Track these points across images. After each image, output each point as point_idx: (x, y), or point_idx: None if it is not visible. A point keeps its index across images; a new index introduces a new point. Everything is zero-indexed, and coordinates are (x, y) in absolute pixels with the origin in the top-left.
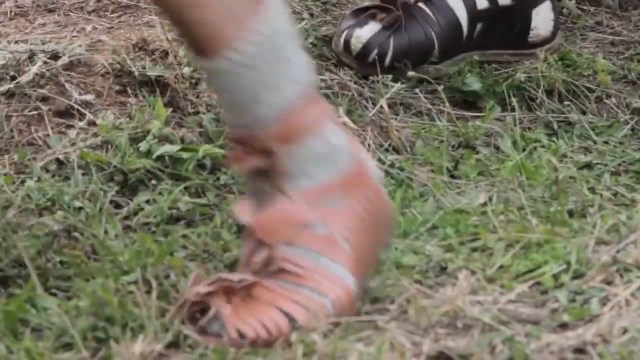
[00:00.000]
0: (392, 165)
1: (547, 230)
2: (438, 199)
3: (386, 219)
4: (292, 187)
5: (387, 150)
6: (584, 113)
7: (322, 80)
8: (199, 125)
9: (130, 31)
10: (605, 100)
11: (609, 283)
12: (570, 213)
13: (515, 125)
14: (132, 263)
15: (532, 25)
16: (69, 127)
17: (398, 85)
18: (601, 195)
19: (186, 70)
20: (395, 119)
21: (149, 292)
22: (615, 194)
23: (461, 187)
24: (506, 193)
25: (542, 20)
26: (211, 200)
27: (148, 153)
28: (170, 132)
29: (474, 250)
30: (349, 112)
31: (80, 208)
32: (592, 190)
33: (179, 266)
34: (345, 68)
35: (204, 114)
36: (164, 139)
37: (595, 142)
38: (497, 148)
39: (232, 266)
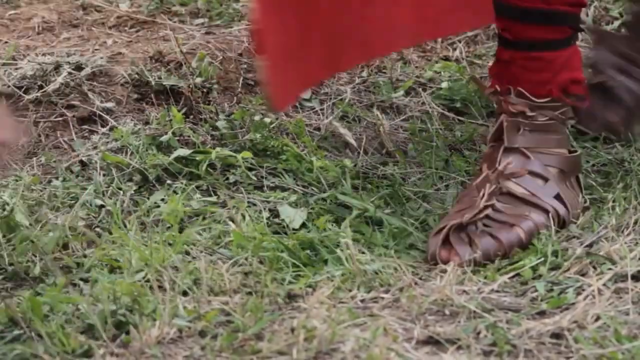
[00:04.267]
0: (385, 164)
1: None
2: (428, 198)
3: None
4: None
5: (381, 154)
6: None
7: (319, 87)
8: (213, 129)
9: (148, 44)
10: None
11: (583, 274)
12: None
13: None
14: (149, 256)
15: None
16: (92, 132)
17: (392, 93)
18: None
19: (198, 80)
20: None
21: (162, 283)
22: (589, 188)
23: (450, 187)
24: None
25: None
26: (221, 198)
27: (167, 149)
28: (188, 132)
29: None
30: (342, 117)
31: (102, 206)
32: None
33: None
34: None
35: (216, 120)
36: (182, 141)
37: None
38: (481, 151)
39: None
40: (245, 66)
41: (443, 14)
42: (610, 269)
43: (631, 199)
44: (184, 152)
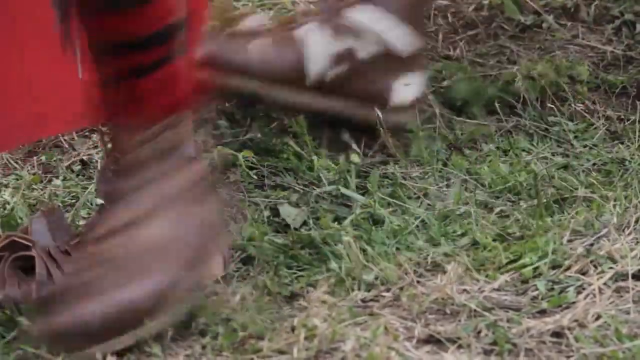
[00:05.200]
0: (385, 163)
1: (527, 225)
2: (429, 197)
3: None
4: None
5: (382, 152)
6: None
7: None
8: (213, 128)
9: None
10: (578, 106)
11: (584, 273)
12: (548, 209)
13: (499, 130)
14: None
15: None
16: (93, 130)
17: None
18: (577, 191)
19: None
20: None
21: None
22: (590, 187)
23: (451, 186)
24: (491, 189)
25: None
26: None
27: None
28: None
29: (461, 244)
30: None
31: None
32: (568, 188)
33: None
34: None
35: (217, 120)
36: None
37: (573, 145)
38: (482, 150)
39: (245, 258)
40: None
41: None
42: (611, 267)
43: (632, 198)
44: None
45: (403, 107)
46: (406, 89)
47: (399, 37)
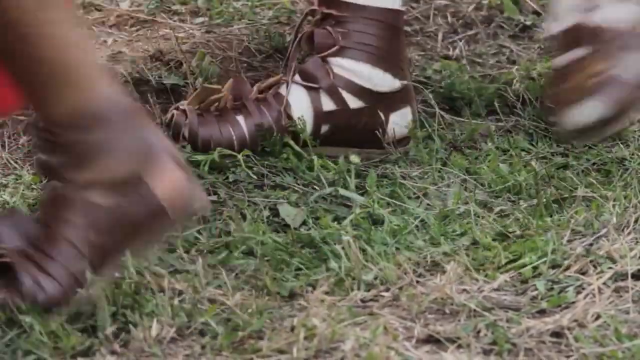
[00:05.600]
0: (383, 162)
1: (527, 224)
2: (428, 196)
3: None
4: None
5: (381, 151)
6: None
7: None
8: None
9: (148, 43)
10: None
11: (584, 273)
12: (548, 209)
13: (498, 130)
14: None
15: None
16: None
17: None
18: (576, 191)
19: (199, 79)
20: None
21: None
22: (590, 187)
23: (450, 186)
24: (490, 189)
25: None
26: (221, 197)
27: None
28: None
29: (461, 243)
30: None
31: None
32: (568, 188)
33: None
34: None
35: None
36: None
37: (572, 145)
38: (482, 149)
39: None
40: (245, 65)
41: None
42: (610, 267)
43: (631, 198)
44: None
45: (400, 140)
46: (399, 124)
47: (378, 80)
